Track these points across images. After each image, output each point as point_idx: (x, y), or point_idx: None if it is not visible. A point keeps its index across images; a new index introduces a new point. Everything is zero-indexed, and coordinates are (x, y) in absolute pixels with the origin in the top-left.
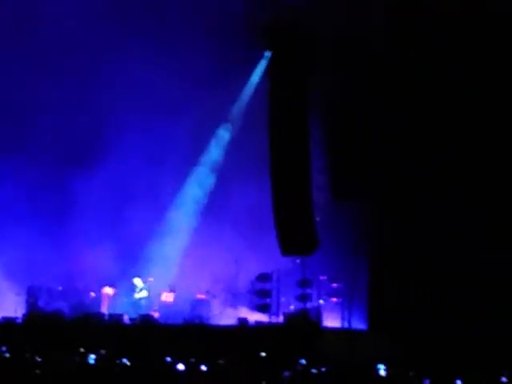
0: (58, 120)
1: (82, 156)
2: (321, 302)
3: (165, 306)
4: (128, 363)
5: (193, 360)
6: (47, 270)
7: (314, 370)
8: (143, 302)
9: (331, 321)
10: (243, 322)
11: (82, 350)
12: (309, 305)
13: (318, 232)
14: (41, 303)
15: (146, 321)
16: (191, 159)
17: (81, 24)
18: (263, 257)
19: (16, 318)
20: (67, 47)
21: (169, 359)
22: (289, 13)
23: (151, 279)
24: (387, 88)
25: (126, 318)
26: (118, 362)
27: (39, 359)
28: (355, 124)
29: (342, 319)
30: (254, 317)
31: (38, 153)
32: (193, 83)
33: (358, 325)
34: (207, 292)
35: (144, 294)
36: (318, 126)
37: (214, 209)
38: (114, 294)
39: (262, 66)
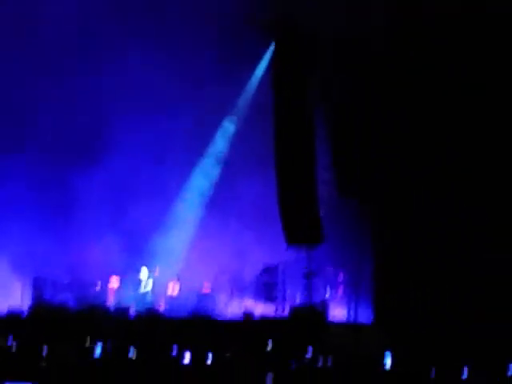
0: (59, 114)
1: (85, 149)
2: (327, 294)
3: (170, 298)
4: (134, 355)
5: (198, 353)
6: (53, 262)
7: (319, 363)
8: (149, 294)
9: (337, 313)
10: (249, 314)
11: (87, 342)
12: (315, 297)
13: (323, 224)
14: (46, 296)
15: (151, 313)
16: (196, 151)
17: (81, 23)
18: (269, 249)
19: (21, 310)
20: (67, 47)
21: (174, 352)
22: (290, 8)
23: (157, 271)
24: (388, 86)
25: (131, 311)
26: (123, 354)
27: (44, 351)
28: (357, 122)
29: (348, 311)
30: (260, 309)
31: (41, 149)
32: (196, 76)
33: (364, 317)
34: (213, 285)
35: (149, 286)
36: (322, 123)
37: (219, 201)
38: (120, 287)
39: (266, 58)
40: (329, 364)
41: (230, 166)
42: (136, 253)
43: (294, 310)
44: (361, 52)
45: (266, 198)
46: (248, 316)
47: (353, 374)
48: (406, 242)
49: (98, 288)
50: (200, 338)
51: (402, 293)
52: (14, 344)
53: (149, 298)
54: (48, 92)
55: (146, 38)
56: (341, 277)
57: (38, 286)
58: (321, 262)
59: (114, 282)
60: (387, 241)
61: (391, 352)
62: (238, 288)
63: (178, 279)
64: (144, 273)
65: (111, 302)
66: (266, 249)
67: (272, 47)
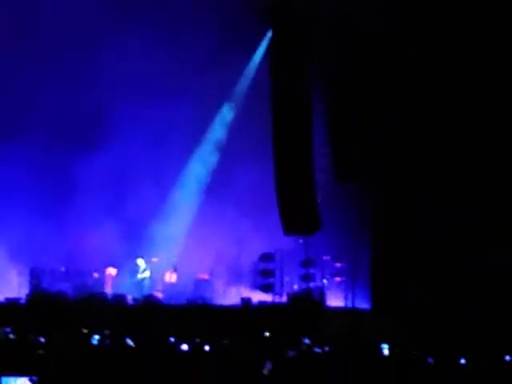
0: (59, 101)
1: (84, 137)
2: (324, 281)
3: (168, 286)
4: (131, 343)
5: (196, 340)
6: (50, 250)
7: (317, 350)
8: (146, 282)
9: (335, 300)
10: (247, 301)
11: (85, 330)
12: (312, 284)
13: (320, 212)
14: (44, 284)
15: (149, 301)
16: (194, 138)
17: (81, 12)
18: (266, 236)
19: (19, 298)
20: (67, 34)
21: (172, 339)
22: None
23: (155, 259)
24: (386, 74)
25: (129, 299)
26: (121, 342)
27: (42, 340)
28: (355, 108)
29: (346, 299)
30: (258, 297)
31: (40, 135)
32: (195, 64)
33: (362, 304)
34: (210, 272)
35: (147, 274)
36: (320, 110)
37: (216, 188)
38: (118, 275)
39: (264, 45)
40: (326, 350)
41: (227, 153)
42: (134, 240)
43: (292, 297)
44: (358, 38)
45: (264, 186)
46: (246, 303)
47: (351, 360)
48: (403, 230)
49: (96, 276)
50: (198, 326)
51: (399, 280)
52: (11, 332)
53: (147, 286)
54: (48, 79)
55: (146, 26)
56: (338, 264)
57: (35, 275)
58: (318, 249)
59: (112, 270)
60: (385, 228)
61: (389, 339)
62: (236, 275)
63: (175, 270)
64: (141, 261)
65: (109, 289)
66: (263, 236)
67: (270, 34)
